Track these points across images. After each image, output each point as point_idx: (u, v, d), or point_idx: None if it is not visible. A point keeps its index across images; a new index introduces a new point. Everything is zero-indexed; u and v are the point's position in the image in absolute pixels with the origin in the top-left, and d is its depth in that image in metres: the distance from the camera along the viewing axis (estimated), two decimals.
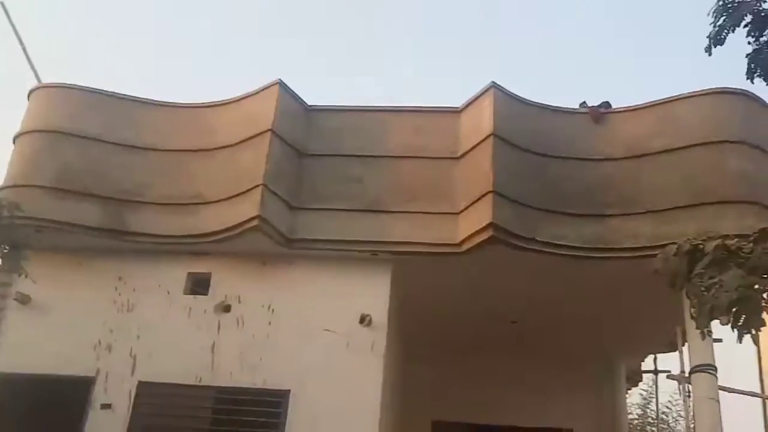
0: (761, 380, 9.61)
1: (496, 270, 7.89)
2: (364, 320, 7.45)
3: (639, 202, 7.56)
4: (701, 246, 5.60)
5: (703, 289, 5.23)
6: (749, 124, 7.58)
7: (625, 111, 8.03)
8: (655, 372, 12.97)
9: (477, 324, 9.72)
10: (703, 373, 7.26)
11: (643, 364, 13.05)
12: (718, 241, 5.34)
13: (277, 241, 7.50)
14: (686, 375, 7.58)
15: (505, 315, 9.45)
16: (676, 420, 19.12)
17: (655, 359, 12.89)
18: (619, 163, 7.81)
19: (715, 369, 7.31)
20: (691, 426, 7.49)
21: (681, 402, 18.75)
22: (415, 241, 7.57)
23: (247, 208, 7.30)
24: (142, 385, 7.32)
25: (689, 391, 7.49)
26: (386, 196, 7.77)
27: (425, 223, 7.64)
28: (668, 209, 7.42)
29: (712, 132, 7.54)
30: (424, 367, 8.62)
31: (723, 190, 7.30)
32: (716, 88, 7.68)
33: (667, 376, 7.78)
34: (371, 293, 7.65)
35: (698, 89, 7.74)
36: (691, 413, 7.55)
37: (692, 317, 5.98)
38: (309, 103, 8.16)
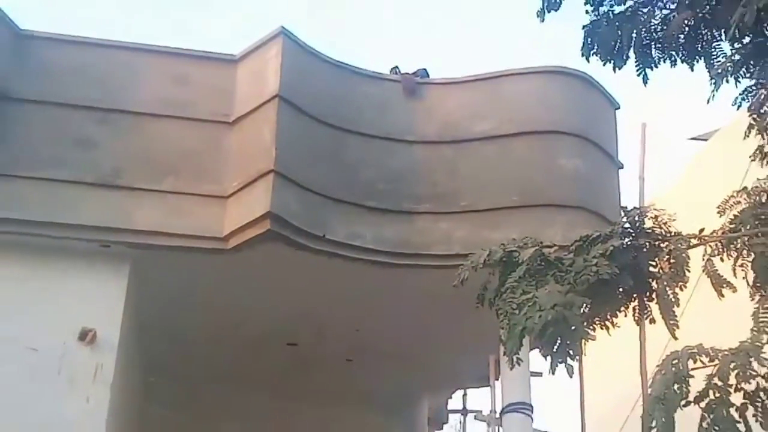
0: (582, 418, 9.90)
1: (273, 275, 7.39)
2: (86, 336, 6.60)
3: (455, 198, 7.45)
4: (516, 254, 5.48)
5: (514, 307, 5.08)
6: (586, 114, 7.75)
7: (444, 83, 7.93)
8: (464, 412, 13.19)
9: (245, 347, 9.12)
10: (516, 414, 7.26)
11: (450, 401, 13.21)
12: (535, 249, 5.24)
13: None
14: (497, 415, 7.56)
15: (281, 335, 8.96)
16: None
17: (464, 396, 13.11)
18: (433, 148, 7.66)
19: (531, 408, 7.34)
20: None
21: None
22: (164, 231, 6.86)
23: None
24: None
25: None
26: (128, 168, 6.97)
27: (180, 208, 6.95)
28: (489, 210, 7.39)
29: (544, 119, 7.62)
30: (172, 406, 7.86)
31: (553, 191, 7.37)
32: (551, 66, 7.79)
33: (475, 417, 7.71)
34: (98, 300, 6.84)
35: (531, 66, 7.79)
36: None
37: (501, 341, 5.86)
38: (23, 27, 7.11)
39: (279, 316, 8.41)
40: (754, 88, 5.44)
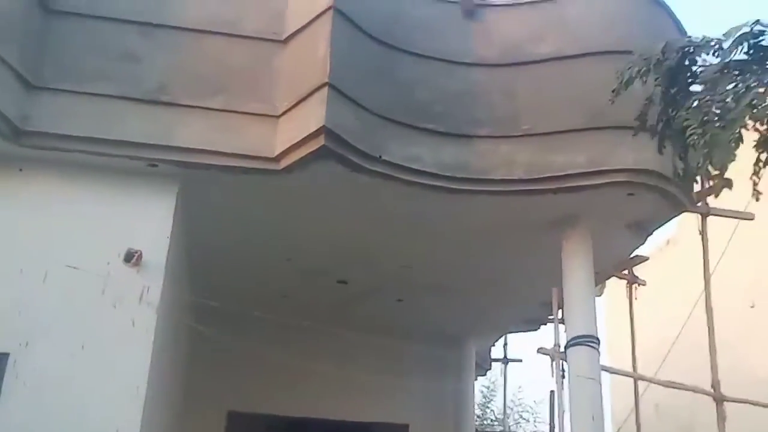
0: (634, 358, 9.05)
1: (325, 200, 6.57)
2: (132, 258, 5.82)
3: (515, 122, 6.54)
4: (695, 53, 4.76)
5: (716, 107, 4.40)
6: (654, 34, 6.74)
7: (504, 5, 6.98)
8: (505, 360, 12.40)
9: (294, 282, 8.37)
10: (583, 347, 6.41)
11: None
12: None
13: None
14: (561, 349, 6.70)
15: (332, 270, 8.18)
16: (518, 423, 19.01)
17: (505, 345, 12.31)
18: (493, 71, 6.74)
19: (598, 342, 6.49)
20: (565, 413, 6.60)
21: (522, 401, 18.89)
22: (212, 149, 6.02)
23: None
24: None
25: (563, 371, 6.63)
26: (176, 84, 6.13)
27: (230, 126, 6.11)
28: (552, 133, 6.47)
29: (609, 39, 6.65)
30: (222, 329, 7.11)
31: (619, 112, 6.41)
32: None
33: (539, 350, 6.85)
34: (145, 221, 6.03)
35: None
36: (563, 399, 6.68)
37: (677, 175, 5.20)
38: None
39: (331, 249, 7.63)
40: None
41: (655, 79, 5.55)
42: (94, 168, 5.99)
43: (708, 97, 4.73)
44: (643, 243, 7.46)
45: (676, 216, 7.15)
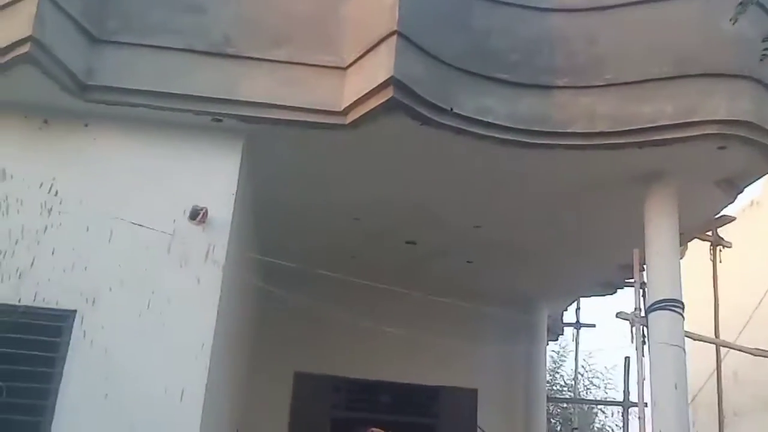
0: (716, 324, 8.62)
1: (394, 155, 6.32)
2: (198, 215, 5.69)
3: (597, 71, 6.13)
4: None
5: None
6: None
7: None
8: (577, 325, 12.07)
9: (362, 242, 8.18)
10: (667, 311, 6.05)
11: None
12: None
13: (63, 84, 5.53)
14: (642, 314, 6.36)
15: (400, 231, 7.96)
16: (588, 389, 18.65)
17: (578, 310, 11.97)
18: (572, 16, 6.33)
19: (682, 306, 6.11)
20: (644, 380, 6.27)
21: (593, 367, 18.48)
22: (278, 103, 5.82)
23: (17, 26, 5.27)
24: None
25: (644, 336, 6.29)
26: (239, 36, 5.94)
27: (296, 79, 5.89)
28: (637, 82, 6.04)
29: None
30: (290, 288, 6.99)
31: (711, 58, 5.97)
32: None
33: (618, 315, 6.51)
34: (210, 177, 5.89)
35: None
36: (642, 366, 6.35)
37: None
38: None
39: (399, 209, 7.39)
40: None
41: None
42: (158, 123, 5.86)
43: None
44: (732, 201, 7.01)
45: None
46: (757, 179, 6.72)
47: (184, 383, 5.29)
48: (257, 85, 5.84)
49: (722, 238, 8.86)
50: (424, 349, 8.84)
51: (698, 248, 9.22)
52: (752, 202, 12.97)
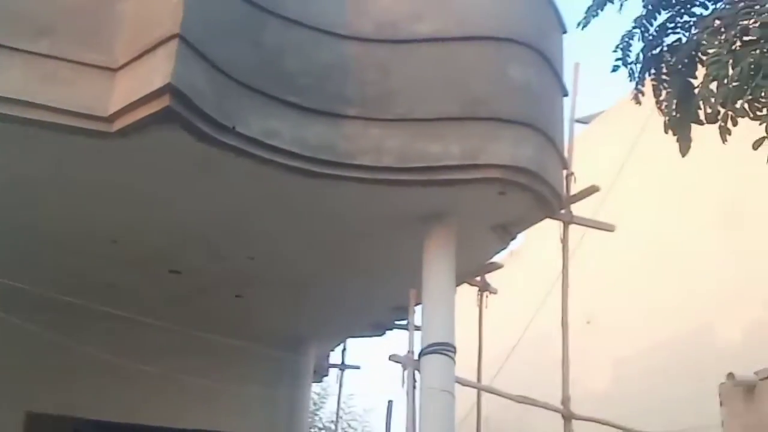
0: (479, 369, 8.76)
1: (163, 173, 5.77)
2: None
3: (388, 104, 6.02)
4: None
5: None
6: (538, 25, 6.49)
7: None
8: (342, 366, 11.90)
9: (119, 267, 7.41)
10: (439, 355, 5.97)
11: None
12: None
13: None
14: (415, 357, 6.23)
15: (164, 257, 7.31)
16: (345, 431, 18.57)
17: (344, 351, 11.83)
18: (366, 46, 6.16)
19: (454, 350, 6.07)
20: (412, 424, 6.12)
21: (351, 409, 18.47)
22: (33, 101, 5.05)
23: None
24: None
25: (415, 380, 6.16)
26: None
27: (56, 76, 5.14)
28: (427, 119, 5.99)
29: (492, 24, 6.27)
30: (24, 324, 6.06)
31: (499, 103, 6.07)
32: None
33: (390, 357, 6.33)
34: None
35: None
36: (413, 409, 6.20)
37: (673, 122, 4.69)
38: None
39: (164, 233, 6.79)
40: None
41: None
42: None
43: (745, 7, 4.01)
44: (505, 247, 7.18)
45: (541, 220, 6.86)
46: (529, 226, 6.92)
47: None
48: (9, 78, 5.04)
49: (489, 284, 9.06)
50: (185, 389, 8.19)
51: (465, 293, 9.38)
52: (511, 253, 13.64)
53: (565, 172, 6.93)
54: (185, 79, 5.03)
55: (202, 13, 5.29)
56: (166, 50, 5.04)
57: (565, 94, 6.93)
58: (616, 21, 5.42)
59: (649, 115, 5.55)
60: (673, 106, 4.71)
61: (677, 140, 4.71)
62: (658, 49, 4.97)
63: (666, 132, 4.77)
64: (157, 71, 5.01)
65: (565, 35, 6.95)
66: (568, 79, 6.99)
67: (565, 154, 6.96)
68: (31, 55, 5.14)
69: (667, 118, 4.78)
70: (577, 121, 14.70)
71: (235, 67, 5.47)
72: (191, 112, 5.11)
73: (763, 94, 3.85)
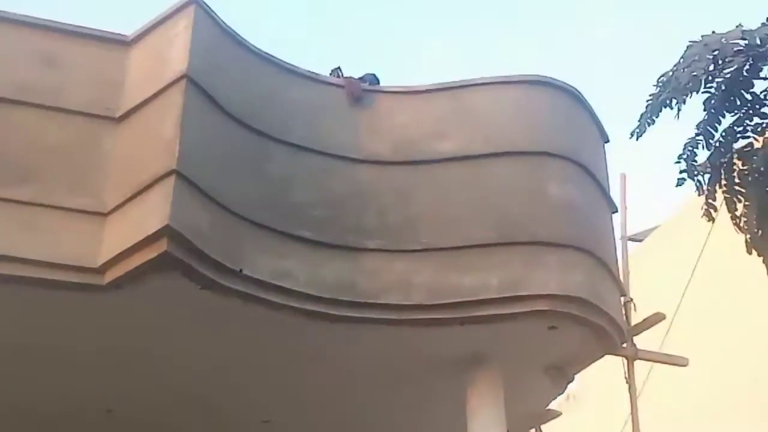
0: None
1: (161, 330, 5.80)
2: None
3: (413, 233, 6.04)
4: None
5: None
6: (576, 135, 6.57)
7: (398, 93, 6.63)
8: None
9: None
10: None
11: None
12: None
13: None
14: None
15: (165, 426, 7.16)
16: None
17: None
18: (384, 170, 6.28)
19: None
20: None
21: None
22: (15, 254, 5.11)
23: None
24: None
25: None
26: None
27: (40, 225, 5.25)
28: (457, 248, 5.99)
29: (524, 137, 6.38)
30: None
31: (538, 225, 6.05)
32: (530, 75, 6.65)
33: None
34: None
35: (505, 75, 6.61)
36: None
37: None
38: None
39: (163, 396, 6.71)
40: None
41: (705, 100, 4.96)
42: None
43: None
44: (562, 392, 6.98)
45: (601, 357, 6.70)
46: (587, 365, 6.76)
47: None
48: None
49: None
50: None
51: None
52: (568, 397, 13.31)
53: (623, 298, 6.83)
54: (184, 219, 5.09)
55: (201, 145, 5.43)
56: (162, 189, 5.13)
57: (614, 210, 6.92)
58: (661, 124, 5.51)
59: (713, 227, 5.54)
60: (754, 221, 4.68)
61: (763, 261, 4.67)
62: (728, 156, 4.98)
63: (749, 252, 4.75)
64: (152, 213, 5.10)
65: (607, 143, 7.03)
66: (614, 193, 7.05)
67: (621, 277, 6.90)
68: (14, 204, 5.27)
69: (748, 236, 4.75)
70: (630, 239, 14.68)
71: (239, 202, 5.56)
72: (192, 256, 5.16)
73: None
